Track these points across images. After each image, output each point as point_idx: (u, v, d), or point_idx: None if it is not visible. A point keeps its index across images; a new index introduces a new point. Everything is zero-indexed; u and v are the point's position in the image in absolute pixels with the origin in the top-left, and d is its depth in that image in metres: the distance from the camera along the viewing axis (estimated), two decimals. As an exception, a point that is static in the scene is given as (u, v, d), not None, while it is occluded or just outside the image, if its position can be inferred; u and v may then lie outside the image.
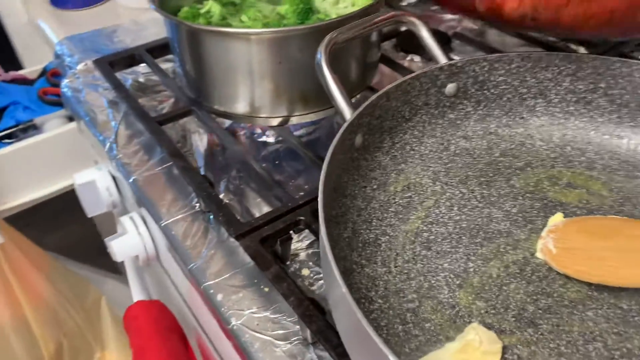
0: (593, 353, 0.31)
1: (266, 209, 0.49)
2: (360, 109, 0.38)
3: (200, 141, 0.57)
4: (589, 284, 0.35)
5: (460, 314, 0.34)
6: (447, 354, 0.30)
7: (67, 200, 0.86)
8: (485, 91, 0.46)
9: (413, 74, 0.42)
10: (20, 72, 0.97)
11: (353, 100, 0.54)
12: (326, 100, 0.50)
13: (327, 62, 0.38)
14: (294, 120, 0.52)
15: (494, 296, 0.35)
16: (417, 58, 0.68)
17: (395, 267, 0.37)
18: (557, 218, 0.39)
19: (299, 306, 0.35)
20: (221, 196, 0.49)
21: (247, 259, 0.43)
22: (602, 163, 0.44)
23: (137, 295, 0.58)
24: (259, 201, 0.49)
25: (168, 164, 0.53)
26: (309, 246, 0.44)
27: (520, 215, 0.40)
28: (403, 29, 0.69)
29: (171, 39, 0.52)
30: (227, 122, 0.58)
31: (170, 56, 0.65)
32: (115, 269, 1.24)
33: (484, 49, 0.66)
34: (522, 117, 0.47)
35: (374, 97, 0.39)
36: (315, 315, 0.34)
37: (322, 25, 0.44)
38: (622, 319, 0.33)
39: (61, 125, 0.81)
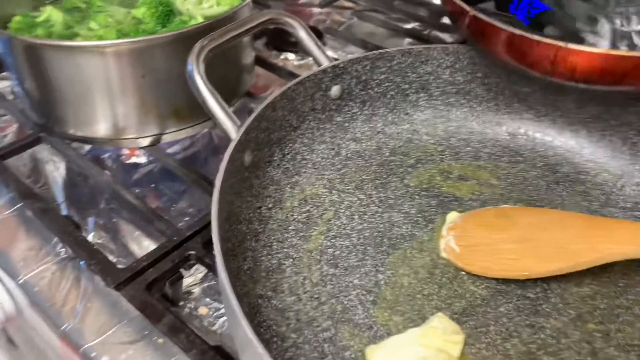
0: (512, 351, 0.31)
1: (147, 242, 0.43)
2: (247, 124, 0.34)
3: (56, 172, 0.49)
4: (496, 279, 0.35)
5: (379, 334, 0.32)
6: (409, 337, 0.29)
7: None
8: (369, 90, 0.44)
9: (297, 80, 0.39)
10: None
11: (232, 109, 0.49)
12: (202, 112, 0.46)
13: (201, 73, 0.34)
14: (166, 138, 0.46)
15: (409, 308, 0.33)
16: (291, 56, 0.65)
17: (305, 293, 0.34)
18: (453, 215, 0.39)
19: (203, 359, 0.30)
20: (91, 236, 0.42)
21: (132, 307, 0.37)
22: (487, 151, 0.45)
23: (3, 356, 0.49)
24: (138, 234, 0.43)
25: (19, 205, 0.44)
26: (204, 279, 0.40)
27: (419, 215, 0.39)
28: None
29: (3, 54, 0.44)
30: (87, 147, 0.50)
31: (4, 73, 0.55)
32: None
33: (355, 42, 0.66)
34: (407, 113, 0.46)
35: (259, 109, 0.35)
36: (223, 367, 0.30)
37: (190, 31, 0.39)
38: (531, 310, 0.33)
39: None
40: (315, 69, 0.41)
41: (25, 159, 0.49)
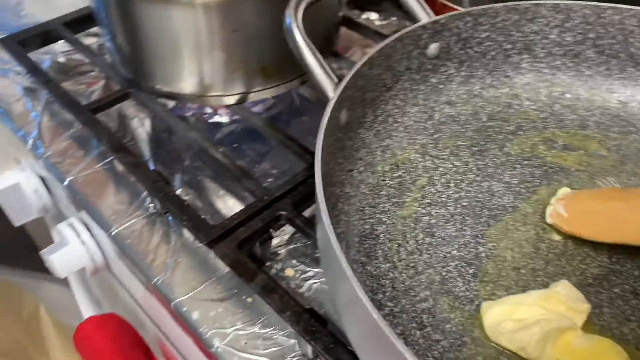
0: (630, 335, 0.28)
1: (232, 202, 0.42)
2: (346, 81, 0.32)
3: (141, 128, 0.49)
4: (609, 257, 0.32)
5: (480, 310, 0.30)
6: (530, 298, 0.29)
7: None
8: (468, 50, 0.41)
9: (395, 36, 0.36)
10: None
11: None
12: (289, 71, 0.45)
13: (299, 27, 0.32)
14: (252, 96, 0.45)
15: (513, 283, 0.31)
16: (373, 15, 0.63)
17: (400, 261, 0.32)
18: (564, 190, 0.36)
19: (298, 322, 0.29)
20: (178, 192, 0.42)
21: (221, 264, 0.37)
22: (595, 120, 0.41)
23: (87, 310, 0.51)
24: (223, 193, 0.43)
25: (108, 159, 0.45)
26: (289, 241, 0.39)
27: (522, 186, 0.36)
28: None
29: (97, 8, 0.44)
30: (170, 104, 0.50)
31: (93, 30, 0.56)
32: (47, 270, 1.13)
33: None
34: (507, 76, 0.43)
35: (357, 65, 0.33)
36: (318, 330, 0.29)
37: (284, -17, 0.38)
38: (651, 293, 0.30)
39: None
40: (411, 25, 0.38)
41: (112, 115, 0.49)
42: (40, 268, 1.07)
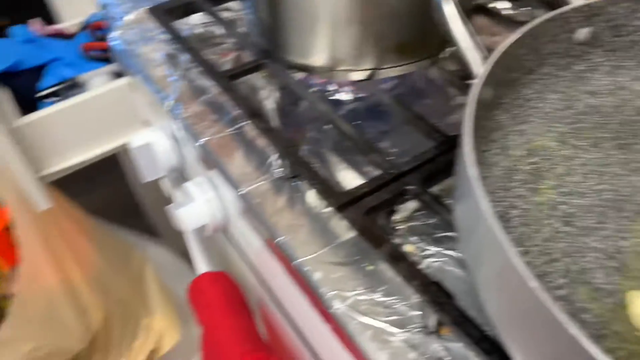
0: None
1: (353, 175, 0.43)
2: (496, 56, 0.31)
3: (267, 100, 0.51)
4: None
5: (623, 304, 0.28)
6: None
7: (97, 163, 0.81)
8: (621, 37, 0.39)
9: (545, 17, 0.35)
10: (57, 26, 0.91)
11: (447, 52, 0.47)
12: (422, 50, 0.44)
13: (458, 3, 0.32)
14: (382, 73, 0.45)
15: (661, 282, 0.29)
16: (500, 4, 0.61)
17: (535, 246, 0.31)
18: None
19: (426, 292, 0.29)
20: (304, 160, 0.43)
21: (342, 232, 0.38)
22: None
23: (202, 266, 0.54)
24: (344, 167, 0.44)
25: (239, 125, 0.47)
26: (410, 218, 0.39)
27: (673, 185, 0.34)
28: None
29: (242, -20, 0.46)
30: (297, 78, 0.52)
31: (228, 4, 0.59)
32: (153, 232, 1.21)
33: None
34: (660, 69, 0.40)
35: (508, 42, 0.32)
36: (446, 303, 0.29)
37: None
38: None
39: (106, 82, 0.76)
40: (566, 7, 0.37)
41: (242, 85, 0.52)
42: (142, 230, 1.15)
